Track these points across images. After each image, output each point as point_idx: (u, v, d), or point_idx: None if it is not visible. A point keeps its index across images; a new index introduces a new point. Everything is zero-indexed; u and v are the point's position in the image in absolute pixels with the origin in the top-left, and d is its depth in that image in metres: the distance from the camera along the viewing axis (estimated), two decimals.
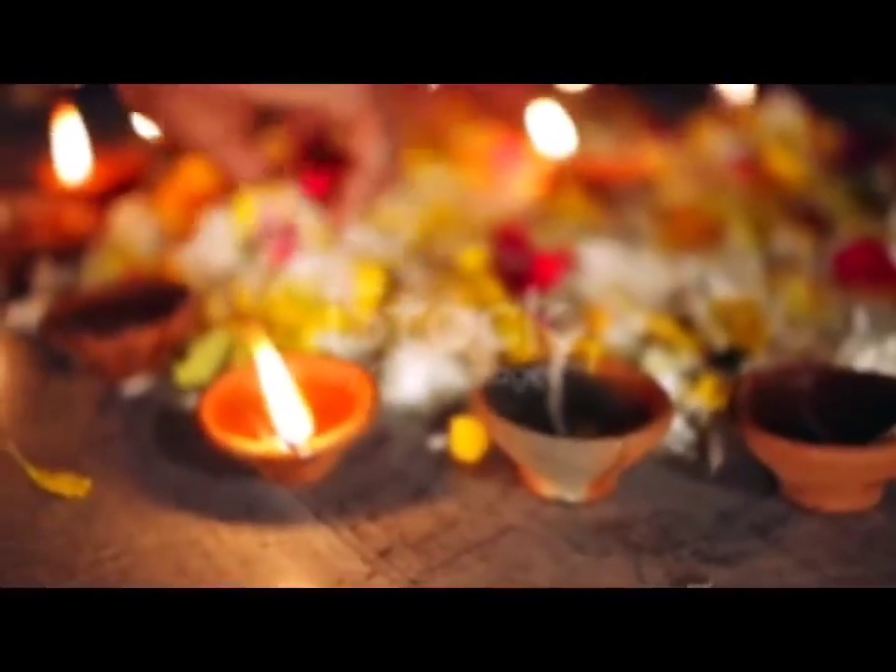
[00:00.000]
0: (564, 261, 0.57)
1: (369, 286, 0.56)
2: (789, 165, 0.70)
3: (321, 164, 0.66)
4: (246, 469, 0.46)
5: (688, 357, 0.51)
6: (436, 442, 0.49)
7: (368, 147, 0.60)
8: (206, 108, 0.60)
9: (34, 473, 0.47)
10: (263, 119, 0.66)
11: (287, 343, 0.54)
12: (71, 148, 0.78)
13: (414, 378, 0.51)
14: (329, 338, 0.54)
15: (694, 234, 0.63)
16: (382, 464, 0.48)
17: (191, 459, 0.48)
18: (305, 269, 0.59)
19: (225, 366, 0.53)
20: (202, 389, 0.52)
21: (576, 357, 0.47)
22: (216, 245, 0.61)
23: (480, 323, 0.52)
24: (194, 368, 0.53)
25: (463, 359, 0.51)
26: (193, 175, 0.73)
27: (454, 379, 0.51)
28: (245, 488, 0.46)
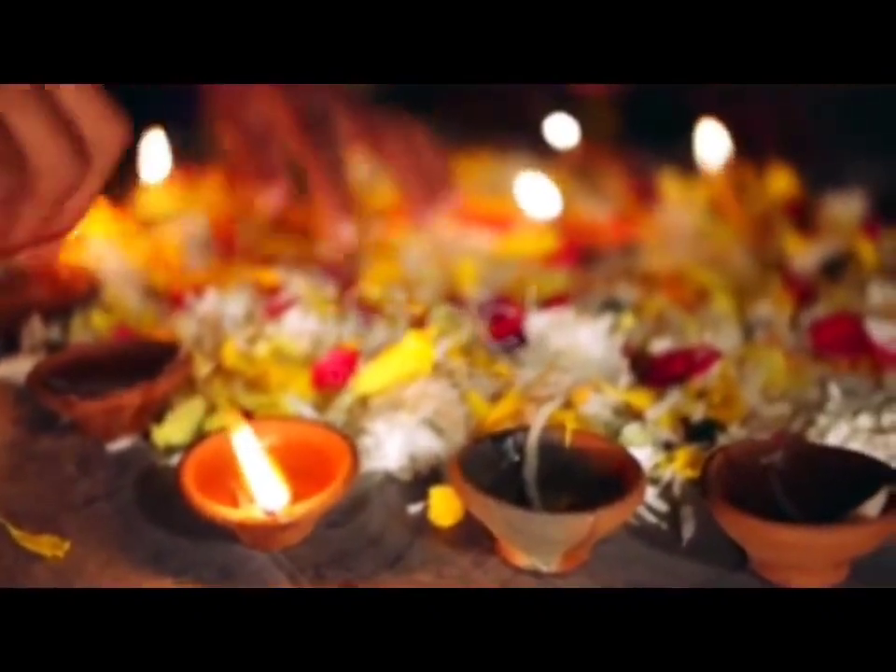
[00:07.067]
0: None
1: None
2: None
3: None
4: (227, 532, 0.47)
5: (664, 429, 0.51)
6: (413, 509, 0.49)
7: None
8: None
9: (14, 533, 0.47)
10: None
11: (269, 403, 0.54)
12: None
13: (392, 445, 0.51)
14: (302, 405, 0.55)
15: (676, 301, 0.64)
16: (359, 529, 0.48)
17: (172, 521, 0.48)
18: (295, 327, 0.60)
19: (201, 430, 0.54)
20: (178, 452, 0.53)
21: (552, 427, 0.48)
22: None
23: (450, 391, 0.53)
24: (169, 431, 0.54)
25: (436, 426, 0.52)
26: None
27: (431, 445, 0.52)
28: (222, 552, 0.47)
